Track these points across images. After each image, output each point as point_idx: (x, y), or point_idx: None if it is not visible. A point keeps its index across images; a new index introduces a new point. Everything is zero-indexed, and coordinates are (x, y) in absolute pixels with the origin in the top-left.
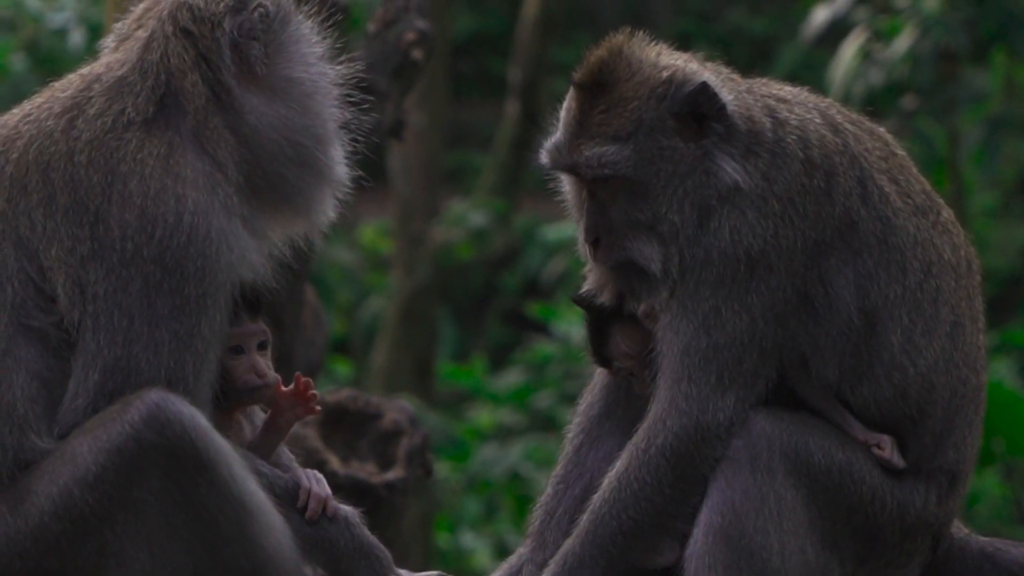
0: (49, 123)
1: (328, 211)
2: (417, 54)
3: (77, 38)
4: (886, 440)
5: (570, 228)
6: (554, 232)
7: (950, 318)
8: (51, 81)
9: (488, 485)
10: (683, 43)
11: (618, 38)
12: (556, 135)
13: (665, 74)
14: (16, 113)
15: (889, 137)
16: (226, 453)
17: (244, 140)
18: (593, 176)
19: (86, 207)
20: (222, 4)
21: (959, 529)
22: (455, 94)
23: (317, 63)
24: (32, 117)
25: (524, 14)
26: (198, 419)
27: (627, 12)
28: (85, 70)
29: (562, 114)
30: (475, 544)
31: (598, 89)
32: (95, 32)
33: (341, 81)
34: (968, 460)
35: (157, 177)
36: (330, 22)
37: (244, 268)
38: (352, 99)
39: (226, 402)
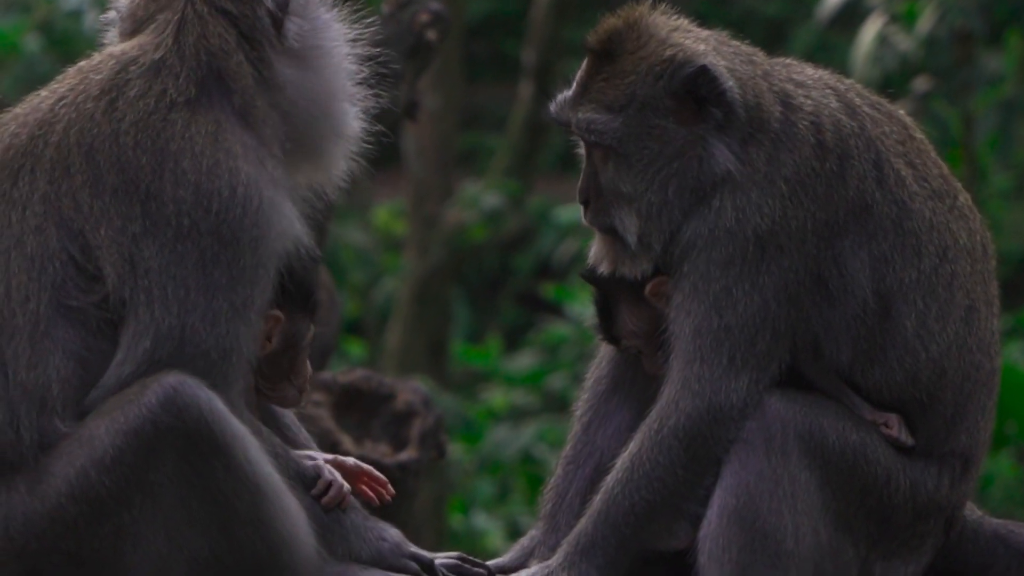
0: (88, 106)
1: (343, 164)
2: (431, 35)
3: (91, 19)
4: (893, 419)
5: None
6: (568, 213)
7: (964, 303)
8: (66, 62)
9: (501, 466)
10: (697, 25)
11: (637, 9)
12: (567, 91)
13: (668, 53)
14: (47, 96)
15: (908, 120)
16: (242, 437)
17: (284, 115)
18: (583, 139)
19: (136, 187)
20: None
21: (972, 511)
22: (469, 76)
23: (340, 32)
24: (68, 100)
25: None
26: (215, 403)
27: None
28: (114, 50)
29: (578, 72)
30: (488, 525)
31: (604, 57)
32: None
33: (363, 50)
34: (981, 444)
35: (209, 153)
36: (345, 2)
37: (291, 238)
38: (370, 76)
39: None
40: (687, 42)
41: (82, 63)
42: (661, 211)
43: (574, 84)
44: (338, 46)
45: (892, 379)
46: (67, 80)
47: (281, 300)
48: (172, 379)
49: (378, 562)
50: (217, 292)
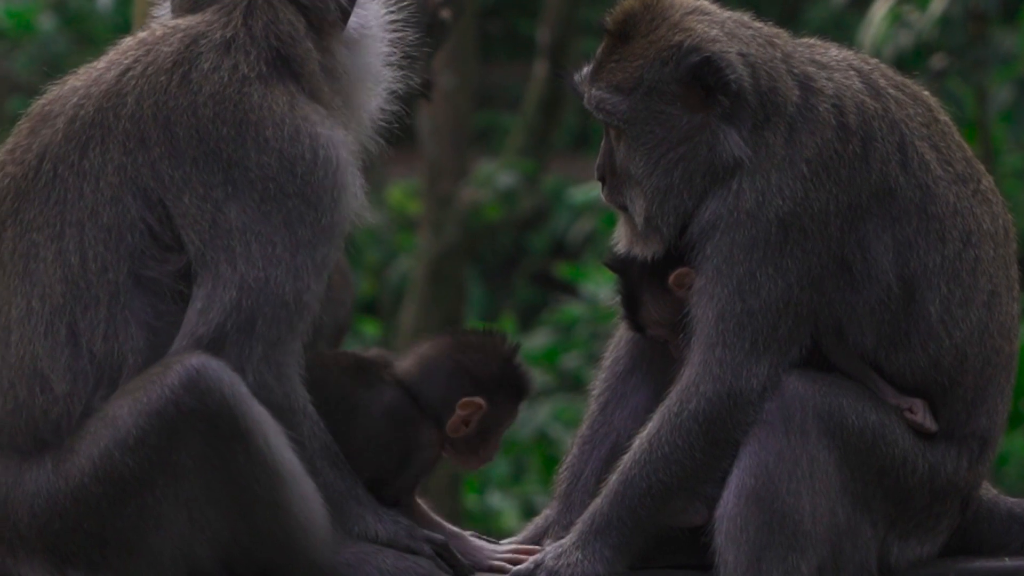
0: (161, 78)
1: (371, 145)
2: (446, 14)
3: None
4: (918, 404)
5: (597, 189)
6: (582, 193)
7: (987, 288)
8: (80, 41)
9: (516, 445)
10: (718, 5)
11: None
12: (587, 66)
13: (676, 38)
14: (105, 67)
15: (933, 102)
16: (263, 421)
17: (345, 97)
18: (594, 116)
19: (218, 155)
20: None
21: (988, 490)
22: (484, 55)
23: (384, 17)
24: (136, 72)
25: None
26: (238, 386)
27: None
28: (178, 24)
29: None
30: (503, 505)
31: (619, 38)
32: None
33: (397, 34)
34: (999, 426)
35: (288, 121)
36: None
37: (360, 200)
38: (400, 59)
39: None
40: (699, 27)
41: (142, 35)
42: (667, 195)
43: (593, 60)
44: (383, 32)
45: (915, 364)
46: (128, 52)
47: (488, 387)
48: (195, 360)
49: (393, 543)
50: (300, 248)
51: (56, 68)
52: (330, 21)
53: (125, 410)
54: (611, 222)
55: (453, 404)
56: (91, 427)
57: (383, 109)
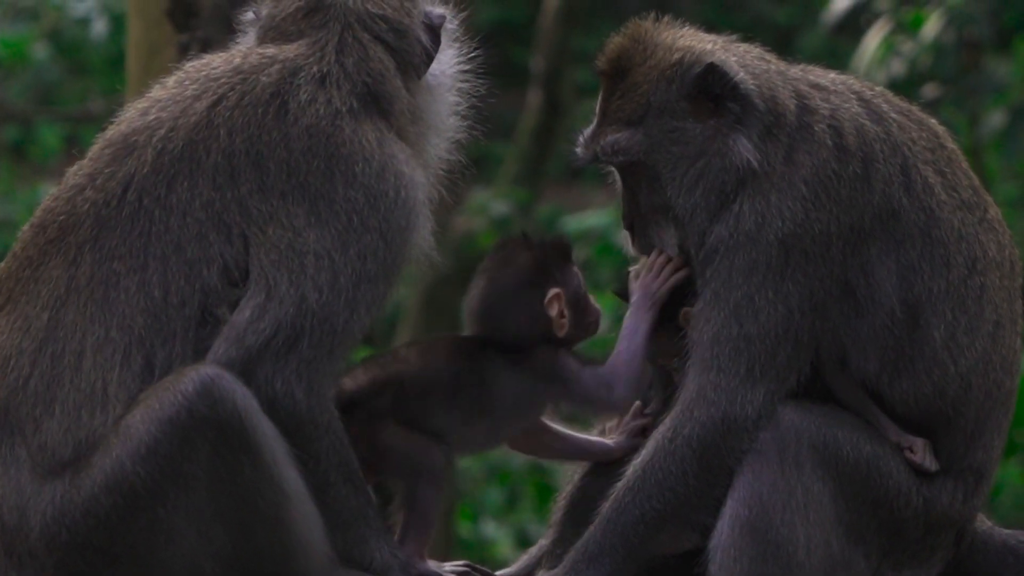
0: (258, 111)
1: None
2: None
3: (100, 27)
4: (919, 444)
5: (591, 218)
6: (576, 222)
7: (993, 317)
8: (74, 70)
9: (510, 474)
10: (706, 32)
11: (639, 24)
12: (588, 126)
13: (675, 57)
14: (191, 97)
15: (940, 129)
16: (272, 437)
17: (423, 140)
18: (612, 163)
19: (305, 189)
20: (416, 18)
21: (982, 522)
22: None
23: (459, 65)
24: (230, 104)
25: (547, 3)
26: (249, 399)
27: (650, 0)
28: (272, 54)
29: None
30: (497, 534)
31: (616, 76)
32: (118, 21)
33: (469, 83)
34: (994, 460)
35: (377, 158)
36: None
37: (429, 244)
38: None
39: None
40: (694, 43)
41: (235, 60)
42: (694, 214)
43: (595, 117)
44: (456, 81)
45: (920, 391)
46: (220, 80)
47: (544, 276)
48: (210, 370)
49: (387, 572)
50: (363, 282)
51: (49, 97)
52: (415, 64)
53: (138, 418)
54: (605, 251)
55: (538, 316)
56: (104, 439)
57: (448, 157)
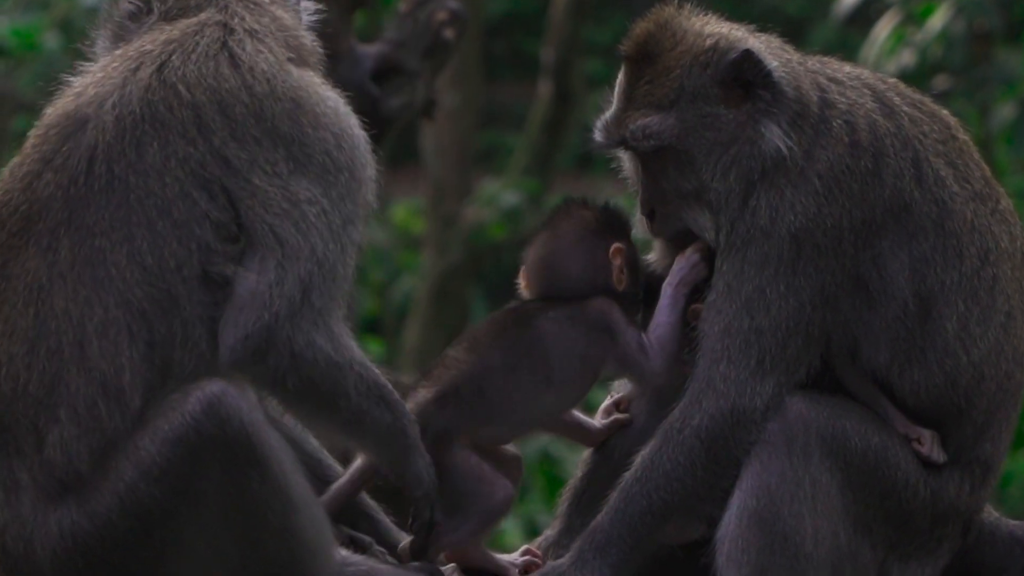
0: (209, 64)
1: None
2: (449, 33)
3: None
4: (927, 435)
5: None
6: None
7: (1005, 308)
8: (85, 59)
9: None
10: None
11: (665, 9)
12: (607, 111)
13: (709, 42)
14: (131, 69)
15: (952, 121)
16: (278, 448)
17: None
18: (640, 148)
19: (276, 132)
20: None
21: (989, 513)
22: (488, 74)
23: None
24: (176, 63)
25: None
26: (255, 413)
27: None
28: (194, 22)
29: (614, 89)
30: (506, 524)
31: (643, 61)
32: None
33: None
34: (1002, 452)
35: (331, 98)
36: (363, 2)
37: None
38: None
39: None
40: (725, 30)
41: (159, 37)
42: (728, 199)
43: (614, 100)
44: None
45: (932, 382)
46: (151, 53)
47: (606, 230)
48: (215, 387)
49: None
50: (349, 223)
51: (59, 87)
52: (300, 10)
53: (147, 440)
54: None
55: (602, 265)
56: (113, 463)
57: None
